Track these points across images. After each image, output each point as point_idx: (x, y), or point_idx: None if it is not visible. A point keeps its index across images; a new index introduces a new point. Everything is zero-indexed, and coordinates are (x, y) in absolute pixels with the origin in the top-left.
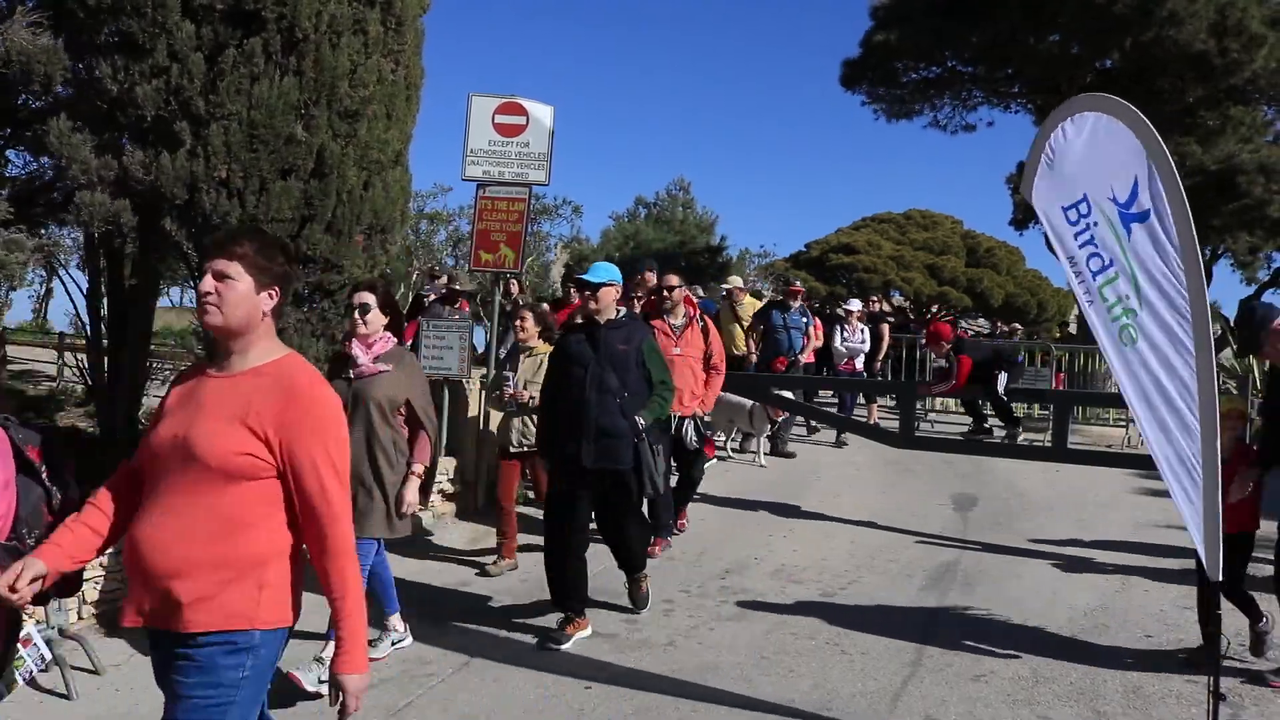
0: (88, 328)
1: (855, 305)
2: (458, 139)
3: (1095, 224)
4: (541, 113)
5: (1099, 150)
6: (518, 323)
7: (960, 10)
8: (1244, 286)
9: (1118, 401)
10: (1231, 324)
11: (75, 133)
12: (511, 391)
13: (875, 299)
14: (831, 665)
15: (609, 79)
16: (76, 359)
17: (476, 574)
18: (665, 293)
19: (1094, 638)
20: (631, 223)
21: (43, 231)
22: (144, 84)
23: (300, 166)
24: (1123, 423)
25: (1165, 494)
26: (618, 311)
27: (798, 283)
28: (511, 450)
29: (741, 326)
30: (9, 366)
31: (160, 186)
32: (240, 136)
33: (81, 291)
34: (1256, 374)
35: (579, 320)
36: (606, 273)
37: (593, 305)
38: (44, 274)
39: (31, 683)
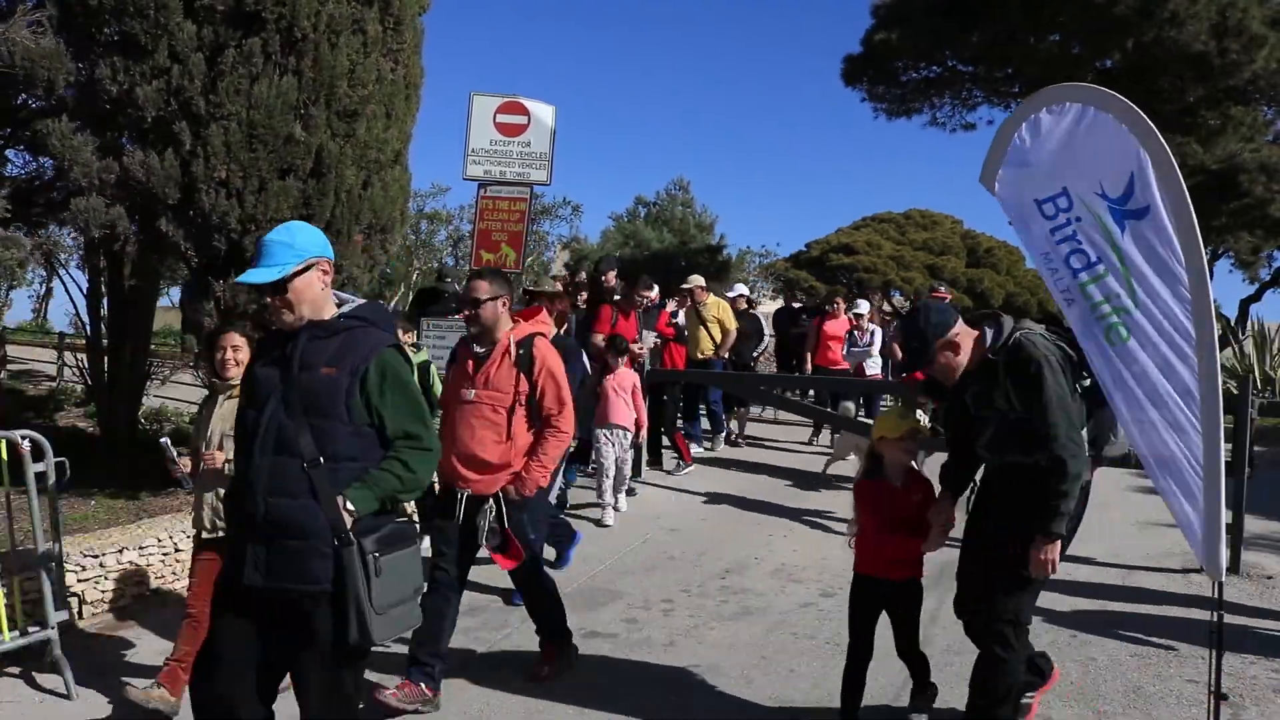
0: (88, 328)
1: (864, 306)
2: (457, 138)
3: (1078, 219)
4: (543, 112)
5: (1083, 143)
6: (220, 353)
7: (960, 10)
8: (1245, 286)
9: None
10: (1231, 324)
11: (77, 134)
12: (178, 468)
13: (875, 297)
14: (832, 665)
15: (609, 79)
16: (76, 359)
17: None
18: (469, 308)
19: (1094, 637)
20: (631, 222)
21: (42, 231)
22: (144, 85)
23: (299, 166)
24: None
25: None
26: (339, 305)
27: (942, 287)
28: (204, 535)
29: (706, 329)
30: (9, 366)
31: (152, 187)
32: (239, 136)
33: (81, 291)
34: (1257, 373)
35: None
36: (304, 243)
37: (287, 316)
38: (44, 274)
39: (32, 682)
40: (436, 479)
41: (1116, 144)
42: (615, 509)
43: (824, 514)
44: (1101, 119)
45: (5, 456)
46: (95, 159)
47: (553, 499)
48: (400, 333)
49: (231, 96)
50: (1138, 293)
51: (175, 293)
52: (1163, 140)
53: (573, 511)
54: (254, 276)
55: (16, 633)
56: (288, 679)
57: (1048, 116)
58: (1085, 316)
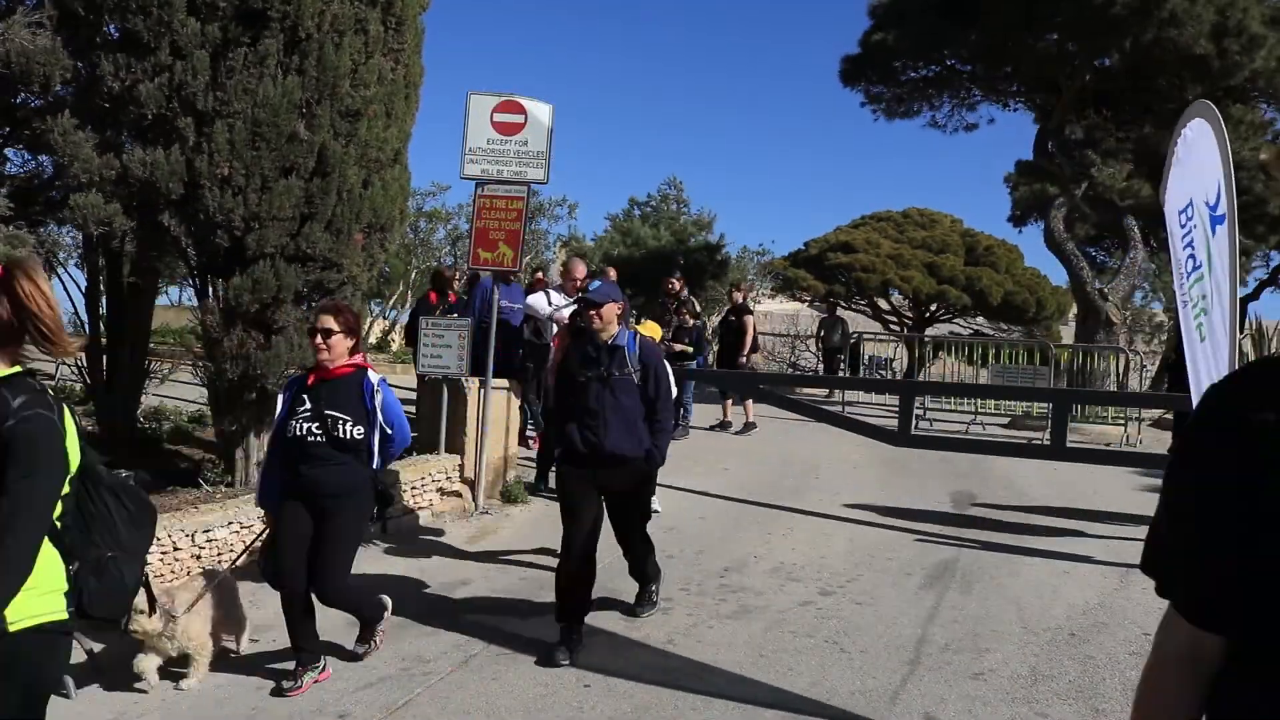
0: (86, 326)
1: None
2: (453, 135)
3: (1195, 226)
4: (540, 111)
5: (1200, 155)
6: None
7: (958, 9)
8: (1239, 286)
9: (1116, 400)
10: None
11: (78, 130)
12: None
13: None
14: (830, 663)
15: (608, 77)
16: (75, 358)
17: None
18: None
19: (1092, 636)
20: (628, 221)
21: (41, 229)
22: (146, 81)
23: (301, 165)
24: (1121, 421)
25: None
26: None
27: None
28: None
29: None
30: None
31: (156, 183)
32: (244, 134)
33: (80, 290)
34: None
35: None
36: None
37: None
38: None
39: None
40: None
41: (1212, 153)
42: None
43: (823, 513)
44: (1203, 128)
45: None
46: (96, 155)
47: None
48: None
49: (239, 94)
50: (1219, 292)
51: (174, 291)
52: (1229, 147)
53: None
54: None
55: None
56: None
57: (1187, 132)
58: (1188, 318)
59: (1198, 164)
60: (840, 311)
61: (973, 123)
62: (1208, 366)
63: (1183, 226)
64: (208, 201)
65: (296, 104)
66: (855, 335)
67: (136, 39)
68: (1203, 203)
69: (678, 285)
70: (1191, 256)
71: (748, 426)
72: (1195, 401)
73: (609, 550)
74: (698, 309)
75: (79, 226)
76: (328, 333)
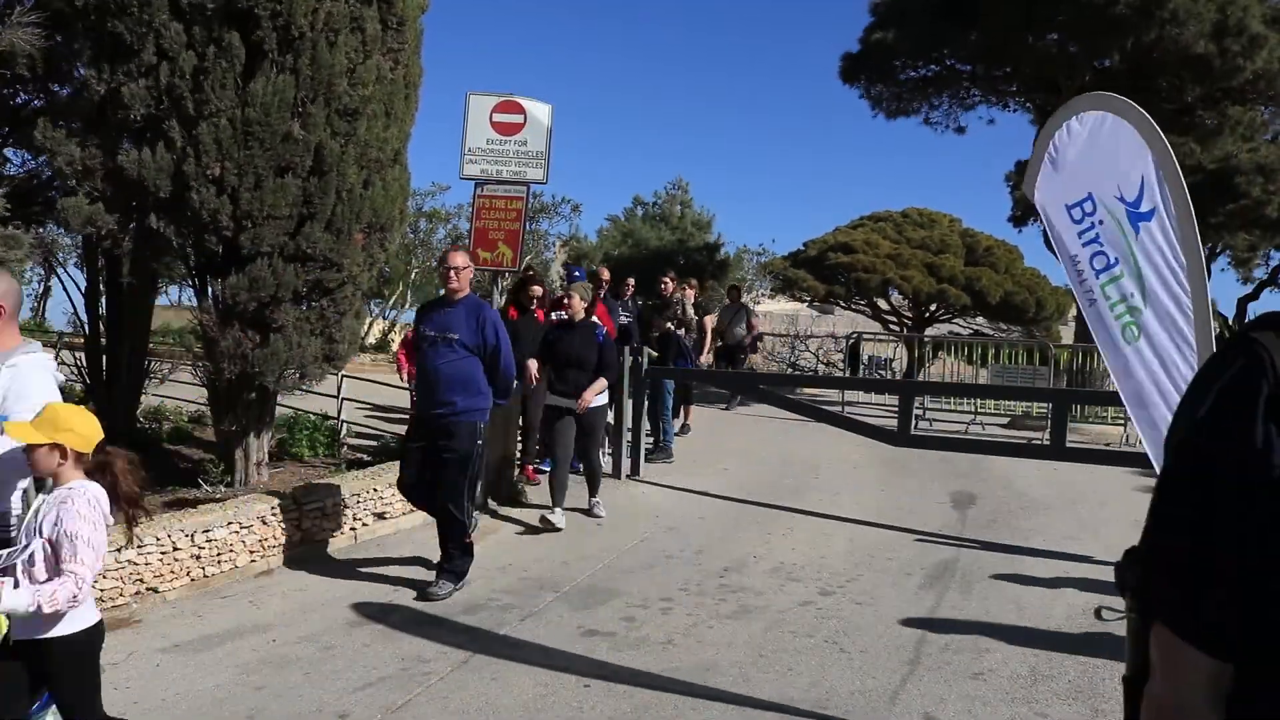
0: (86, 326)
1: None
2: (452, 134)
3: (1100, 222)
4: (539, 111)
5: (1104, 149)
6: None
7: (958, 9)
8: (1240, 285)
9: (1116, 400)
10: (1229, 322)
11: (60, 130)
12: None
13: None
14: (830, 663)
15: (608, 77)
16: (75, 357)
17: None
18: None
19: (1092, 635)
20: (629, 221)
21: (41, 229)
22: (131, 82)
23: (298, 164)
24: (1121, 421)
25: None
26: None
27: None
28: None
29: None
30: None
31: (144, 181)
32: (230, 133)
33: (80, 290)
34: None
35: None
36: None
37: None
38: (42, 272)
39: None
40: None
41: (1130, 147)
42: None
43: (823, 513)
44: (1119, 125)
45: None
46: (78, 151)
47: None
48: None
49: (219, 92)
50: (1149, 292)
51: (174, 291)
52: (1167, 142)
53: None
54: None
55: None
56: None
57: (1076, 125)
58: (1105, 317)
59: (1100, 157)
60: (845, 311)
61: (963, 125)
62: (1146, 366)
63: (1077, 222)
64: (195, 201)
65: (289, 103)
66: (854, 335)
67: (120, 41)
68: (1113, 198)
69: (670, 286)
70: (1101, 254)
71: (684, 429)
72: (1125, 399)
73: (609, 549)
74: (682, 312)
75: (65, 227)
76: None
